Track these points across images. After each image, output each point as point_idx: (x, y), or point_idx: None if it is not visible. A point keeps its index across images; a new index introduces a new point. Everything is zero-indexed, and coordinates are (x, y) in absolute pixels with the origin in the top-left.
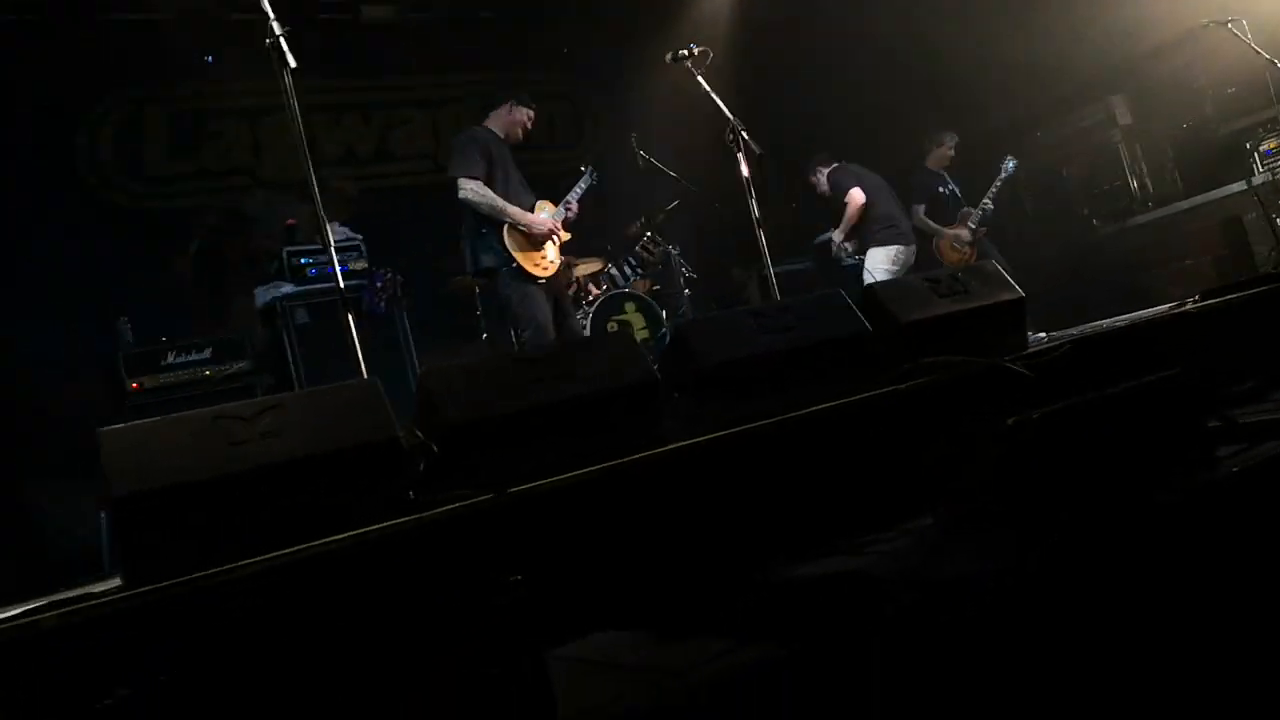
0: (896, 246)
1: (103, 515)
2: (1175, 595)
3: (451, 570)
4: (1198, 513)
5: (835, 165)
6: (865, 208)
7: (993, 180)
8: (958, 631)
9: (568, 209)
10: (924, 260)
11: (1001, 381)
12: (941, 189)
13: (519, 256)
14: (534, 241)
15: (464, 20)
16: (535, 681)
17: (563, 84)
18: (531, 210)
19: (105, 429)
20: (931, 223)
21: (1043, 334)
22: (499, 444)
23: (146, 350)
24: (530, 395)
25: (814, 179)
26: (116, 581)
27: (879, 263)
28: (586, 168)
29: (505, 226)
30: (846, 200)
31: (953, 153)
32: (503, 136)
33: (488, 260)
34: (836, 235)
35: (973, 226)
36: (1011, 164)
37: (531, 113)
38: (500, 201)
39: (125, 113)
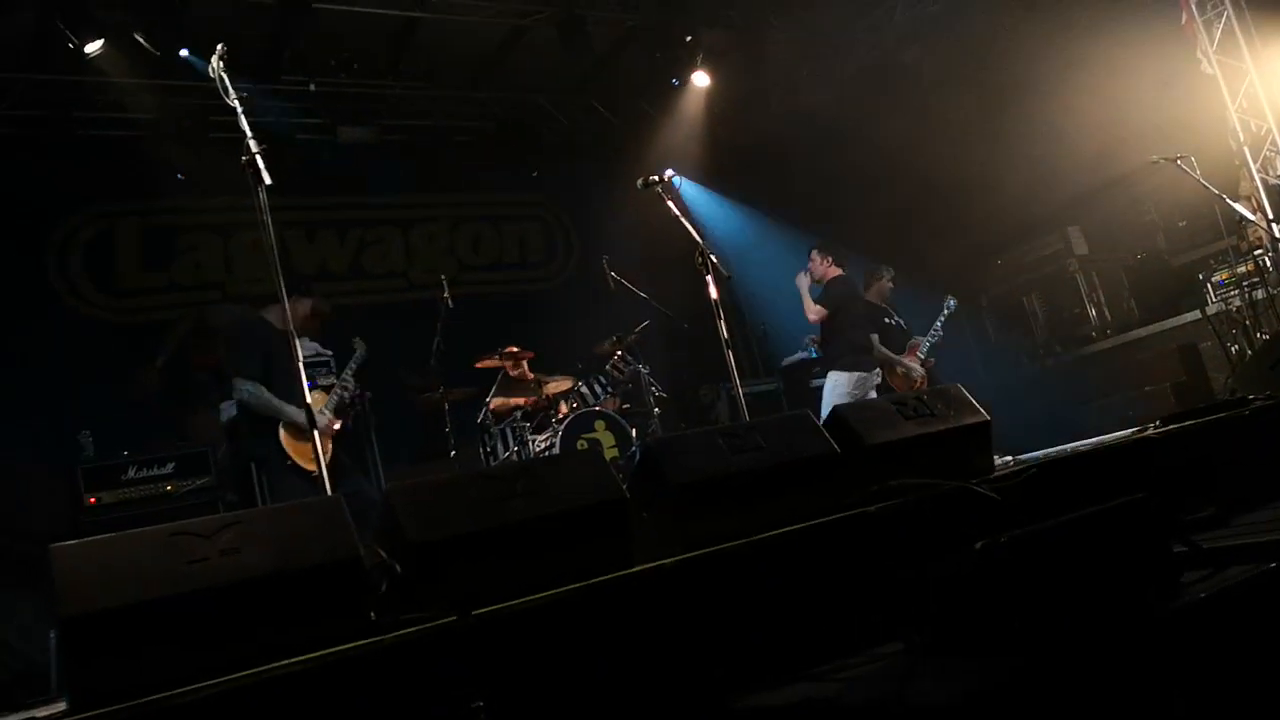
0: (858, 373)
1: (51, 634)
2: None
3: (413, 694)
4: (1166, 638)
5: (838, 275)
6: (829, 324)
7: (935, 317)
8: None
9: (344, 390)
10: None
11: (969, 504)
12: (887, 320)
13: (293, 453)
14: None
15: (440, 142)
16: None
17: (535, 205)
18: None
19: (57, 545)
20: (886, 350)
21: (1009, 457)
22: (464, 563)
23: (107, 464)
24: (496, 514)
25: (814, 262)
26: (62, 706)
27: (839, 385)
28: (357, 343)
29: (280, 423)
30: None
31: (891, 285)
32: (281, 327)
33: (260, 451)
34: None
35: (921, 356)
36: (952, 303)
37: (311, 301)
38: (276, 401)
39: (99, 226)
